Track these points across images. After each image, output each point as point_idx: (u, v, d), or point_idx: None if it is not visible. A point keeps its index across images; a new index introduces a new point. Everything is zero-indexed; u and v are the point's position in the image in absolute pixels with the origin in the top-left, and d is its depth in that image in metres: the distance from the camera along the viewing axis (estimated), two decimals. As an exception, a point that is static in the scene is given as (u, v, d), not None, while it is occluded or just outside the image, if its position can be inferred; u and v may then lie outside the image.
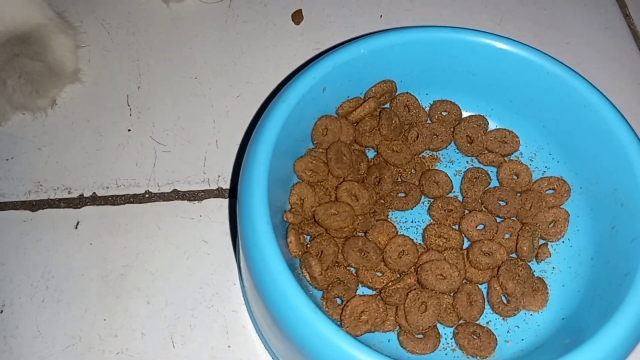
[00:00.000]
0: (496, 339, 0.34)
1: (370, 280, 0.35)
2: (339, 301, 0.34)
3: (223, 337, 0.37)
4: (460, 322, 0.34)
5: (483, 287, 0.35)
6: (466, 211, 0.37)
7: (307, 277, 0.34)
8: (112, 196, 0.41)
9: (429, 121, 0.40)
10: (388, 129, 0.38)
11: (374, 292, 0.35)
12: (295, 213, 0.34)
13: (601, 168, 0.36)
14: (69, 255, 0.39)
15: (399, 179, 0.39)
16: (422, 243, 0.37)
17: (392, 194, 0.37)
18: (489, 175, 0.38)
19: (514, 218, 0.37)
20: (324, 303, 0.33)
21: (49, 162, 0.43)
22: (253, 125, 0.45)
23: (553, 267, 0.36)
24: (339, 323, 0.33)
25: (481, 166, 0.39)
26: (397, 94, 0.40)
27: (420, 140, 0.39)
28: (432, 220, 0.37)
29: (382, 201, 0.37)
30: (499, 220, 0.37)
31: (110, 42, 0.48)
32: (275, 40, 0.49)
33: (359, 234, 0.36)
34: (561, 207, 0.37)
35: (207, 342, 0.37)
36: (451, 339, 0.34)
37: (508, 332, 0.35)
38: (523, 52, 0.37)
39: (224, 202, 0.41)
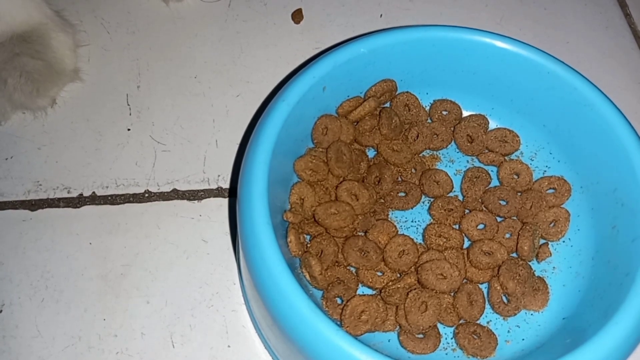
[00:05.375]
0: (497, 338, 0.34)
1: (371, 280, 0.34)
2: (339, 301, 0.34)
3: (223, 336, 0.37)
4: (460, 321, 0.34)
5: (483, 287, 0.35)
6: (466, 211, 0.37)
7: (307, 276, 0.33)
8: (111, 196, 0.41)
9: (429, 120, 0.40)
10: (388, 129, 0.38)
11: (374, 292, 0.35)
12: (295, 212, 0.34)
13: (602, 167, 0.36)
14: (68, 254, 0.39)
15: (399, 179, 0.38)
16: (422, 243, 0.37)
17: (392, 193, 0.37)
18: (489, 174, 0.38)
19: (515, 217, 0.37)
20: (324, 303, 0.33)
21: (48, 161, 0.42)
22: (253, 124, 0.45)
23: (553, 267, 0.36)
24: (339, 323, 0.32)
25: (481, 165, 0.39)
26: (397, 93, 0.40)
27: (421, 139, 0.39)
28: (432, 220, 0.37)
29: (382, 201, 0.37)
30: (499, 219, 0.37)
31: (110, 41, 0.48)
32: (275, 40, 0.49)
33: (359, 234, 0.36)
34: (562, 206, 0.37)
35: (207, 341, 0.37)
36: (451, 338, 0.34)
37: (508, 331, 0.34)
38: (524, 52, 0.37)
39: (224, 202, 0.41)
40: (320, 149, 0.37)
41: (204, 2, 0.50)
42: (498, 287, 0.34)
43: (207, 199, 0.41)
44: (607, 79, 0.48)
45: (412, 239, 0.35)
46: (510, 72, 0.38)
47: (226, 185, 0.42)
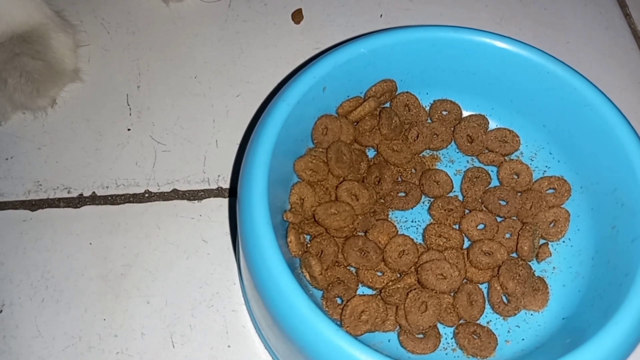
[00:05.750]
0: (496, 338, 0.34)
1: (371, 280, 0.34)
2: (339, 301, 0.34)
3: (223, 337, 0.37)
4: (460, 321, 0.34)
5: (483, 287, 0.35)
6: (466, 211, 0.37)
7: (307, 276, 0.33)
8: (111, 196, 0.41)
9: (429, 120, 0.40)
10: (388, 129, 0.38)
11: (374, 292, 0.35)
12: (295, 213, 0.34)
13: (602, 167, 0.36)
14: (68, 254, 0.39)
15: (399, 179, 0.38)
16: (422, 243, 0.37)
17: (392, 193, 0.37)
18: (489, 174, 0.38)
19: (515, 217, 0.37)
20: (324, 303, 0.33)
21: (48, 161, 0.43)
22: (253, 124, 0.45)
23: (553, 267, 0.36)
24: (339, 323, 0.32)
25: (481, 166, 0.39)
26: (397, 93, 0.40)
27: (421, 139, 0.39)
28: (432, 220, 0.37)
29: (382, 201, 0.37)
30: (499, 219, 0.37)
31: (110, 41, 0.48)
32: (275, 40, 0.49)
33: (359, 234, 0.36)
34: (562, 206, 0.37)
35: (207, 341, 0.37)
36: (451, 338, 0.34)
37: (508, 331, 0.34)
38: (523, 52, 0.37)
39: (224, 202, 0.41)
40: (320, 149, 0.37)
41: (204, 2, 0.50)
42: (498, 287, 0.34)
43: (207, 199, 0.41)
44: (607, 79, 0.48)
45: (412, 239, 0.35)
46: (510, 72, 0.38)
47: (226, 185, 0.42)
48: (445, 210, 0.37)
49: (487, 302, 0.35)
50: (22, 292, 0.38)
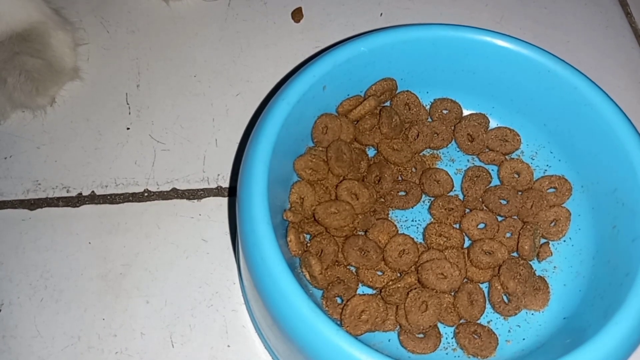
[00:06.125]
0: (497, 338, 0.34)
1: (371, 280, 0.34)
2: (339, 300, 0.33)
3: (223, 336, 0.37)
4: (461, 321, 0.34)
5: (484, 287, 0.35)
6: (467, 210, 0.37)
7: (307, 276, 0.33)
8: (111, 195, 0.41)
9: (429, 119, 0.40)
10: (388, 128, 0.38)
11: (374, 292, 0.35)
12: (295, 212, 0.34)
13: (602, 167, 0.36)
14: (67, 254, 0.39)
15: (400, 178, 0.38)
16: (422, 242, 0.37)
17: (392, 192, 0.37)
18: (489, 173, 0.38)
19: (515, 217, 0.37)
20: (324, 302, 0.33)
21: (47, 160, 0.42)
22: (253, 123, 0.44)
23: (554, 267, 0.36)
24: (339, 322, 0.32)
25: (482, 165, 0.39)
26: (397, 92, 0.40)
27: (421, 138, 0.39)
28: (432, 219, 0.37)
29: (383, 200, 0.37)
30: (500, 219, 0.37)
31: (110, 40, 0.48)
32: (275, 39, 0.49)
33: (359, 233, 0.36)
34: (562, 205, 0.37)
35: (207, 341, 0.37)
36: (452, 338, 0.34)
37: (509, 331, 0.34)
38: (524, 50, 0.37)
39: (224, 201, 0.41)
40: (320, 148, 0.37)
41: (204, 1, 0.50)
42: (499, 287, 0.34)
43: (207, 198, 0.41)
44: (607, 79, 0.48)
45: (413, 239, 0.35)
46: (510, 71, 0.38)
47: (226, 184, 0.42)
48: (445, 209, 0.37)
49: (487, 302, 0.35)
50: (21, 292, 0.38)
